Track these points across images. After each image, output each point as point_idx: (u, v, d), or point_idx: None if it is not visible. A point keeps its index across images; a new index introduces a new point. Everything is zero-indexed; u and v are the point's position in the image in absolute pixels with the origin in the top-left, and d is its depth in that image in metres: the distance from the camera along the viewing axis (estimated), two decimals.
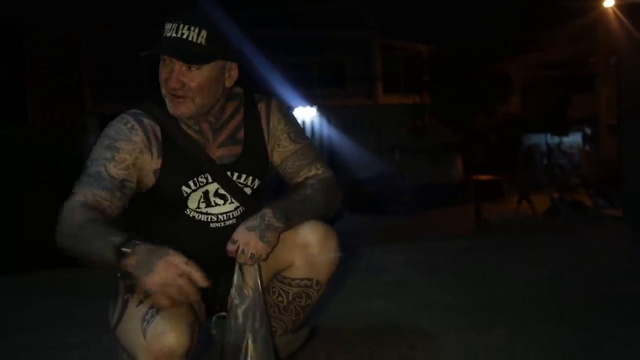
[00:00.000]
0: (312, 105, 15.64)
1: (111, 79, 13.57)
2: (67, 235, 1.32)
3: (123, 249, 1.24)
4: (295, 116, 1.67)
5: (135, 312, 1.34)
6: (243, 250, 1.39)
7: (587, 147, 18.38)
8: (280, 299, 1.56)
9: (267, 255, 1.42)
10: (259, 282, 1.42)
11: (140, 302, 1.35)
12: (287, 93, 13.92)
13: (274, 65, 13.80)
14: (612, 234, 4.56)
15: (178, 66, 1.40)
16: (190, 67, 1.40)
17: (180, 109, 1.43)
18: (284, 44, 14.69)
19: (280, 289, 1.56)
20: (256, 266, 1.42)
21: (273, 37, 14.11)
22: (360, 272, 3.13)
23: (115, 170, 1.40)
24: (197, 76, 1.41)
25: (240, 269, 1.43)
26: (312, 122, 15.98)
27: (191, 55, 1.39)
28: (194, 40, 1.39)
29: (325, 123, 16.14)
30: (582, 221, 9.27)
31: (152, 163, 1.45)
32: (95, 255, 1.28)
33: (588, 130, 18.30)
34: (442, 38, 15.05)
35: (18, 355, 2.14)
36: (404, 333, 2.18)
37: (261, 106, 1.58)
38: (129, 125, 1.44)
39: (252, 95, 1.59)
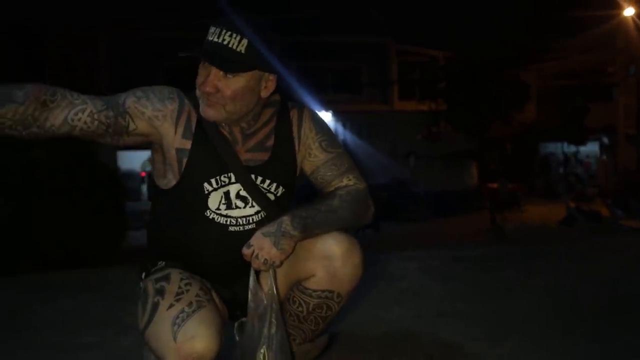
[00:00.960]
0: (327, 110, 15.66)
1: (129, 82, 13.68)
2: None
3: None
4: (328, 125, 1.64)
5: (165, 315, 1.36)
6: (257, 254, 1.39)
7: (605, 157, 18.19)
8: (300, 309, 1.55)
9: (281, 262, 1.41)
10: (274, 287, 1.42)
11: (171, 305, 1.36)
12: (303, 98, 13.96)
13: (289, 70, 13.84)
14: (630, 245, 4.51)
15: (215, 71, 1.40)
16: (226, 74, 1.40)
17: (210, 113, 1.43)
18: (300, 49, 14.73)
19: (301, 299, 1.54)
20: (271, 272, 1.42)
21: (289, 42, 14.15)
22: (375, 279, 3.12)
23: (129, 102, 1.42)
24: (232, 84, 1.41)
25: (256, 274, 1.44)
26: None
27: (228, 62, 1.39)
28: (234, 47, 1.39)
29: (340, 128, 16.14)
30: (599, 231, 9.17)
31: (174, 139, 1.46)
32: None
33: (605, 140, 18.11)
34: (458, 44, 15.00)
35: (36, 354, 2.16)
36: (420, 341, 2.17)
37: (293, 114, 1.57)
38: (170, 95, 1.47)
39: (286, 102, 1.58)
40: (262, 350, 1.38)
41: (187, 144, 1.46)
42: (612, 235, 7.38)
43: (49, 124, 1.34)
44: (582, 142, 17.92)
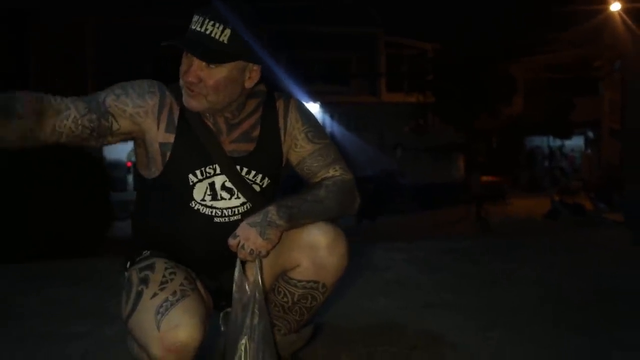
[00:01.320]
0: (315, 101, 15.62)
1: (116, 71, 13.55)
2: None
3: None
4: (315, 115, 1.64)
5: (149, 304, 1.35)
6: (243, 245, 1.39)
7: (589, 151, 18.37)
8: (285, 299, 1.55)
9: (267, 252, 1.41)
10: (259, 278, 1.42)
11: (155, 294, 1.36)
12: (291, 89, 13.91)
13: (277, 60, 13.78)
14: (613, 238, 4.57)
15: (197, 61, 1.39)
16: (209, 65, 1.38)
17: (192, 103, 1.42)
18: (288, 39, 14.64)
19: (286, 289, 1.55)
20: (257, 262, 1.42)
21: (277, 31, 14.07)
22: (361, 270, 3.14)
23: (109, 101, 1.40)
24: (215, 74, 1.39)
25: (242, 265, 1.44)
26: None
27: (210, 52, 1.37)
28: (217, 37, 1.37)
29: (328, 119, 16.12)
30: (583, 225, 9.28)
31: (157, 134, 1.44)
32: None
33: (590, 134, 18.29)
34: (447, 37, 15.01)
35: (21, 344, 2.15)
36: (405, 332, 2.19)
37: (279, 105, 1.56)
38: (150, 89, 1.45)
39: (272, 93, 1.56)
40: (243, 341, 1.38)
41: (171, 138, 1.45)
42: (596, 229, 7.47)
43: (42, 135, 1.33)
44: (568, 136, 18.09)
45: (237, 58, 1.40)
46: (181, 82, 1.43)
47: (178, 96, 1.45)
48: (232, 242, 1.41)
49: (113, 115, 1.40)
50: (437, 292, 2.74)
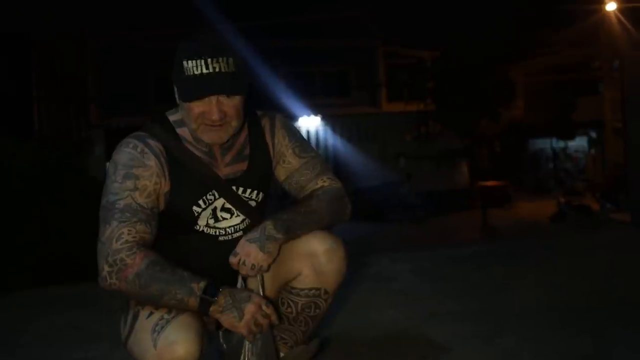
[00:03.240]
0: (316, 114, 15.67)
1: (117, 92, 13.66)
2: (130, 280, 1.33)
3: (207, 297, 1.32)
4: (299, 130, 1.68)
5: (145, 323, 1.37)
6: (244, 261, 1.42)
7: (593, 151, 18.32)
8: (289, 309, 1.58)
9: (269, 266, 1.44)
10: (261, 292, 1.45)
11: (151, 313, 1.37)
12: (291, 102, 13.96)
13: (277, 74, 13.85)
14: (620, 239, 4.54)
15: (216, 99, 1.41)
16: (227, 96, 1.42)
17: (219, 136, 1.45)
18: (287, 53, 14.74)
19: (289, 299, 1.58)
20: (259, 278, 1.45)
21: (276, 46, 14.18)
22: (367, 281, 3.13)
23: (142, 199, 1.41)
24: (234, 102, 1.43)
25: (244, 281, 1.46)
26: (316, 131, 16.01)
27: (235, 85, 1.41)
28: (227, 70, 1.40)
29: (329, 132, 16.15)
30: (590, 226, 9.24)
31: (165, 186, 1.47)
32: (172, 301, 1.33)
33: (593, 134, 18.25)
34: (445, 44, 15.06)
35: None
36: (413, 343, 2.18)
37: (265, 122, 1.60)
38: (138, 150, 1.45)
39: (254, 110, 1.61)
40: (243, 354, 1.40)
41: (169, 183, 1.47)
42: (603, 229, 7.44)
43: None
44: (571, 137, 18.04)
45: (247, 79, 1.45)
46: (194, 125, 1.44)
47: (158, 136, 1.48)
48: (233, 259, 1.44)
49: (154, 207, 1.43)
50: (445, 302, 2.73)
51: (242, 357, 1.41)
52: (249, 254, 1.42)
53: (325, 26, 15.34)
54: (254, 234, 1.45)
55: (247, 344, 1.40)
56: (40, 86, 13.61)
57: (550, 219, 11.14)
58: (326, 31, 15.36)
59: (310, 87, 15.75)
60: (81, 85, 14.16)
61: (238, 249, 1.44)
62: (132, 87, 13.88)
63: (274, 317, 1.37)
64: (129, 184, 1.41)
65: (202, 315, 1.37)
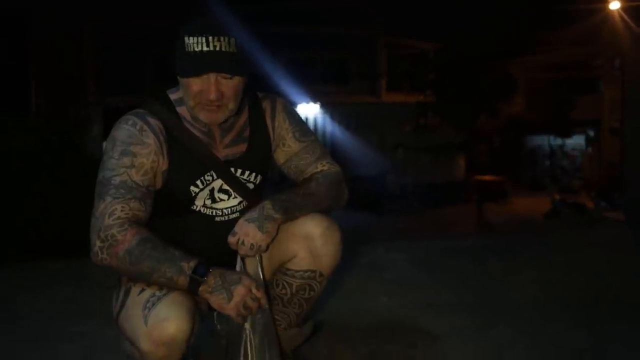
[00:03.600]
0: (315, 101, 15.62)
1: (115, 71, 13.57)
2: (120, 257, 1.33)
3: (196, 277, 1.31)
4: (300, 114, 1.68)
5: (137, 299, 1.37)
6: (243, 241, 1.42)
7: (590, 150, 18.36)
8: (284, 291, 1.58)
9: (267, 245, 1.44)
10: (260, 273, 1.46)
11: (143, 290, 1.37)
12: (290, 89, 13.90)
13: (277, 60, 13.78)
14: (614, 237, 4.56)
15: (215, 78, 1.40)
16: (225, 76, 1.41)
17: (215, 116, 1.44)
18: (287, 39, 14.64)
19: (284, 281, 1.58)
20: (257, 257, 1.45)
21: (276, 32, 14.08)
22: (362, 269, 3.14)
23: (138, 177, 1.40)
24: (233, 83, 1.42)
25: (242, 261, 1.46)
26: (315, 119, 15.97)
27: (233, 66, 1.40)
28: (228, 50, 1.40)
29: (328, 120, 16.12)
30: (584, 223, 9.27)
31: (162, 164, 1.46)
32: (161, 279, 1.33)
33: (591, 133, 18.28)
34: (447, 37, 15.00)
35: (22, 345, 2.15)
36: (406, 331, 2.19)
37: (266, 105, 1.60)
38: (138, 127, 1.44)
39: (255, 93, 1.60)
40: (246, 334, 1.40)
41: (167, 160, 1.46)
42: (597, 227, 7.47)
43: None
44: (568, 134, 18.07)
45: (247, 62, 1.44)
46: (192, 103, 1.43)
47: (158, 115, 1.47)
48: (231, 239, 1.43)
49: (150, 185, 1.42)
50: (438, 292, 2.74)
51: (242, 341, 1.40)
52: (247, 234, 1.42)
53: (327, 12, 15.25)
54: (253, 213, 1.44)
55: (247, 328, 1.40)
56: (38, 63, 13.52)
57: (544, 216, 11.18)
58: (327, 17, 15.27)
59: (310, 74, 15.67)
60: (79, 63, 14.06)
61: (237, 228, 1.44)
62: (131, 66, 13.77)
63: (263, 301, 1.36)
64: (126, 160, 1.40)
65: (193, 295, 1.37)
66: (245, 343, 1.40)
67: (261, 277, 1.45)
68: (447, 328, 2.20)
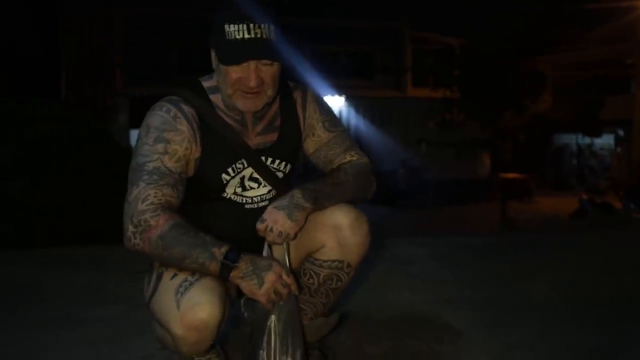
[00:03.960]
0: (340, 94, 15.58)
1: (142, 61, 13.71)
2: (153, 242, 1.34)
3: (228, 263, 1.32)
4: (329, 104, 1.68)
5: (169, 284, 1.38)
6: (271, 228, 1.42)
7: (619, 150, 18.00)
8: (311, 280, 1.59)
9: (295, 234, 1.45)
10: (287, 260, 1.46)
11: (175, 274, 1.39)
12: (316, 82, 13.88)
13: (303, 53, 13.77)
14: None
15: (255, 65, 1.41)
16: (265, 63, 1.42)
17: (254, 103, 1.45)
18: (314, 32, 14.62)
19: (312, 270, 1.58)
20: (285, 245, 1.46)
21: (302, 25, 14.07)
22: (385, 263, 3.13)
23: (171, 163, 1.41)
24: (272, 70, 1.43)
25: (269, 248, 1.47)
26: (339, 112, 15.94)
27: (274, 52, 1.41)
28: (269, 37, 1.41)
29: (352, 113, 16.08)
30: (611, 224, 9.10)
31: (195, 152, 1.47)
32: (193, 265, 1.34)
33: (621, 133, 17.91)
34: (474, 32, 14.81)
35: (45, 328, 2.19)
36: (429, 326, 2.18)
37: (297, 95, 1.60)
38: (171, 114, 1.45)
39: (286, 82, 1.60)
40: (271, 321, 1.41)
41: (200, 147, 1.47)
42: (624, 228, 7.33)
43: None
44: (597, 134, 17.74)
45: (283, 50, 1.45)
46: (229, 90, 1.44)
47: (191, 102, 1.47)
48: (260, 226, 1.44)
49: (182, 172, 1.44)
50: (461, 288, 2.71)
51: (266, 328, 1.41)
52: (276, 221, 1.42)
53: (352, 6, 15.19)
54: (282, 201, 1.45)
55: (273, 316, 1.40)
56: (68, 52, 13.73)
57: (570, 216, 10.99)
58: (353, 11, 15.20)
59: (335, 67, 15.65)
60: (108, 53, 14.24)
61: (265, 215, 1.44)
62: (157, 56, 13.91)
63: (293, 287, 1.37)
64: (160, 147, 1.41)
65: (224, 281, 1.37)
66: (270, 330, 1.41)
67: (288, 264, 1.45)
68: (470, 324, 2.18)
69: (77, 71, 13.87)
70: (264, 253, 1.45)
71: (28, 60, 11.41)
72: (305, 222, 1.46)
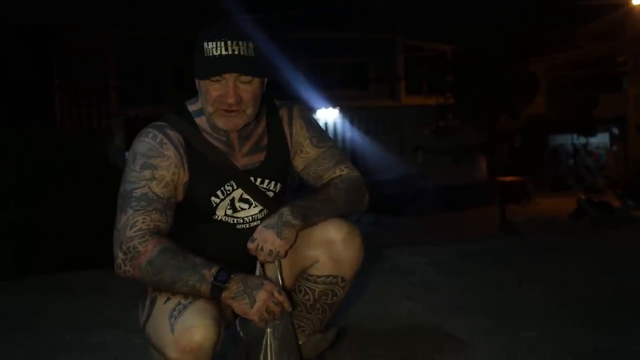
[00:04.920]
0: (334, 106, 15.63)
1: (137, 82, 13.77)
2: (142, 268, 1.35)
3: (218, 284, 1.32)
4: (317, 120, 1.69)
5: (162, 308, 1.38)
6: (262, 247, 1.43)
7: (615, 148, 18.04)
8: (306, 297, 1.59)
9: (286, 252, 1.45)
10: (279, 278, 1.46)
11: (168, 298, 1.38)
12: (310, 94, 13.93)
13: (296, 66, 13.83)
14: None
15: (233, 82, 1.42)
16: (244, 81, 1.43)
17: (234, 122, 1.45)
18: (306, 45, 14.69)
19: (307, 287, 1.58)
20: (276, 263, 1.46)
21: (295, 38, 14.15)
22: (385, 274, 3.13)
23: (158, 189, 1.42)
24: (251, 88, 1.44)
25: (262, 267, 1.47)
26: (334, 124, 15.98)
27: (252, 68, 1.42)
28: (247, 54, 1.42)
29: (347, 124, 16.11)
30: (610, 223, 9.10)
31: (183, 177, 1.47)
32: (184, 288, 1.34)
33: (615, 130, 17.96)
34: (465, 38, 14.89)
35: (52, 355, 2.19)
36: (431, 335, 2.17)
37: (283, 113, 1.61)
38: (158, 140, 1.46)
39: (272, 101, 1.61)
40: (266, 340, 1.41)
41: (188, 173, 1.48)
42: (623, 226, 7.32)
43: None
44: (592, 133, 17.78)
45: (266, 67, 1.47)
46: (210, 109, 1.45)
47: (177, 127, 1.48)
48: (250, 245, 1.45)
49: (170, 197, 1.44)
50: (462, 295, 2.71)
51: (262, 346, 1.41)
52: (266, 240, 1.43)
53: (344, 17, 15.28)
54: (271, 220, 1.45)
55: (268, 333, 1.41)
56: (62, 76, 13.78)
57: (570, 216, 11.00)
58: (345, 22, 15.29)
59: (329, 79, 15.70)
60: (101, 75, 14.30)
61: (255, 234, 1.45)
62: (151, 77, 13.98)
63: (286, 305, 1.37)
64: (147, 173, 1.42)
65: (217, 302, 1.38)
66: (266, 349, 1.41)
67: (280, 282, 1.45)
68: (473, 332, 2.18)
69: (71, 94, 13.91)
70: (257, 271, 1.46)
71: (21, 84, 11.44)
72: (295, 240, 1.46)
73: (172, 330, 1.33)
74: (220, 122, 1.46)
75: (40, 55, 12.81)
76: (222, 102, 1.43)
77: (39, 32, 12.47)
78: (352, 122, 16.11)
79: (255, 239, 1.44)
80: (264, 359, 1.41)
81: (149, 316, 1.42)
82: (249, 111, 1.46)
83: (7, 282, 3.56)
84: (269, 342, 1.41)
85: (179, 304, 1.36)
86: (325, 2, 14.71)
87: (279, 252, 1.43)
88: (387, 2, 15.52)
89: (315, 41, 15.05)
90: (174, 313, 1.35)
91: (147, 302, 1.44)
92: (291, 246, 1.46)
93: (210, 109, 1.45)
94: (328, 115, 15.64)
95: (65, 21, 12.85)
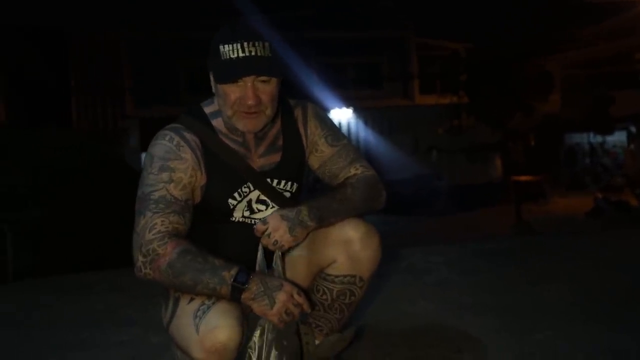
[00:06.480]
0: (348, 106, 15.62)
1: (151, 83, 13.87)
2: (163, 270, 1.35)
3: (238, 285, 1.32)
4: (332, 118, 1.69)
5: (187, 308, 1.39)
6: (269, 234, 1.44)
7: (632, 146, 17.80)
8: (324, 297, 1.59)
9: (289, 248, 1.47)
10: (280, 268, 1.47)
11: (192, 299, 1.39)
12: (323, 95, 13.94)
13: (309, 66, 13.85)
14: None
15: (251, 83, 1.42)
16: (262, 81, 1.43)
17: (254, 124, 1.46)
18: (319, 45, 14.71)
19: (325, 286, 1.58)
20: (277, 252, 1.47)
21: (308, 38, 14.17)
22: (401, 273, 3.12)
23: (176, 191, 1.43)
24: (269, 88, 1.44)
25: (280, 260, 1.49)
26: (348, 124, 15.96)
27: (269, 69, 1.42)
28: (263, 54, 1.42)
29: (361, 124, 16.09)
30: (627, 221, 8.99)
31: (200, 179, 1.48)
32: (205, 290, 1.34)
33: (633, 129, 17.73)
34: (479, 36, 14.81)
35: (70, 354, 2.21)
36: (447, 335, 2.16)
37: (297, 112, 1.61)
38: (174, 142, 1.46)
39: (287, 100, 1.61)
40: (260, 327, 1.43)
41: (205, 176, 1.48)
42: None
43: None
44: (609, 131, 17.56)
45: (282, 67, 1.47)
46: (229, 111, 1.45)
47: (194, 129, 1.49)
48: (260, 227, 1.45)
49: (188, 199, 1.45)
50: (478, 295, 2.69)
51: (260, 320, 1.42)
52: (277, 229, 1.44)
53: (357, 17, 15.27)
54: (289, 213, 1.46)
55: (266, 325, 1.42)
56: (77, 78, 13.93)
57: (586, 215, 10.88)
58: (357, 22, 15.28)
59: (342, 79, 15.71)
60: (116, 76, 14.42)
61: (269, 219, 1.46)
62: (165, 78, 14.08)
63: (305, 306, 1.37)
64: (164, 176, 1.42)
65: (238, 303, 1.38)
66: (262, 327, 1.43)
67: (281, 272, 1.47)
68: (488, 331, 2.17)
69: (86, 96, 14.06)
70: (259, 254, 1.47)
71: (38, 86, 11.60)
72: (304, 239, 1.48)
73: (197, 331, 1.34)
74: (241, 125, 1.46)
75: (56, 58, 12.97)
76: (241, 104, 1.43)
77: (54, 35, 12.63)
78: (365, 122, 16.08)
79: (268, 223, 1.45)
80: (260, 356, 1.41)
81: (172, 316, 1.43)
82: (268, 111, 1.46)
83: (24, 282, 3.60)
84: (265, 327, 1.42)
85: (203, 304, 1.36)
86: (338, 2, 14.70)
87: (282, 245, 1.44)
88: (400, 1, 15.49)
89: (327, 41, 15.06)
90: (198, 313, 1.35)
91: (171, 302, 1.45)
92: (297, 245, 1.48)
93: (229, 111, 1.45)
94: (342, 115, 15.63)
95: (80, 24, 12.99)
